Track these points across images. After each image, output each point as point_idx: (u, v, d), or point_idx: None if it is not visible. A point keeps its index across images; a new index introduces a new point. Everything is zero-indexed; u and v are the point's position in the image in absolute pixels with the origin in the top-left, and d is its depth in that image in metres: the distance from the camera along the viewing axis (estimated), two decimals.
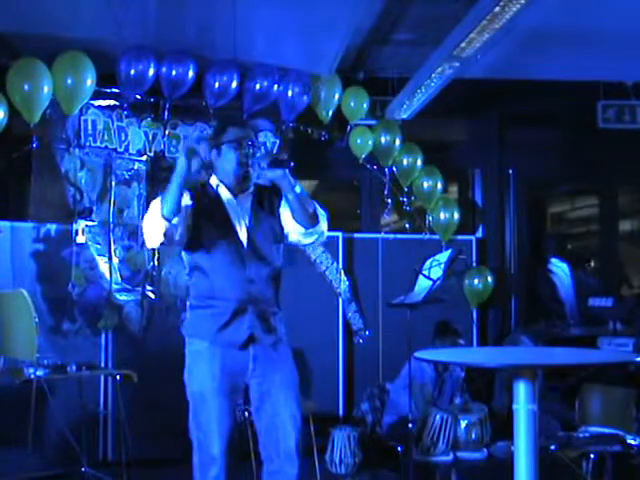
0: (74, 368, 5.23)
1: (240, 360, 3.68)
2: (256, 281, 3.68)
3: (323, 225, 3.76)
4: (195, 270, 3.76)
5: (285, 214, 3.75)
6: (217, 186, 3.79)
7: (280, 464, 3.69)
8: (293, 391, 3.74)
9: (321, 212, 3.76)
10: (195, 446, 3.69)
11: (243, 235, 3.72)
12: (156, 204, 3.57)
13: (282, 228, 3.79)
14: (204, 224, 3.69)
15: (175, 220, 3.53)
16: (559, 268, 8.59)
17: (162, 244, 3.62)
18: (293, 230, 3.75)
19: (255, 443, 4.22)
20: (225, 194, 3.78)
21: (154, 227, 3.55)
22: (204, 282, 3.72)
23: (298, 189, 3.62)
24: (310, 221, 3.69)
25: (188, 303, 3.84)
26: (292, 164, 3.59)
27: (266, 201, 3.82)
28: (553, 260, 8.56)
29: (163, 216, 3.50)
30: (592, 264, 8.76)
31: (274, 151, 3.72)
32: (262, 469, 3.78)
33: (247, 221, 3.75)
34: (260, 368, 3.70)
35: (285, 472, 3.68)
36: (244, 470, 4.70)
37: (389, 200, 7.21)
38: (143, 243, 6.22)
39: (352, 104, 6.88)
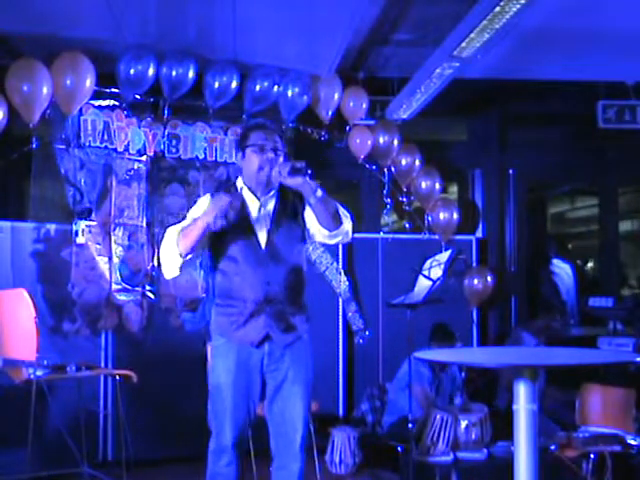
0: (74, 368, 5.23)
1: (255, 356, 3.80)
2: (273, 283, 3.77)
3: (347, 225, 3.85)
4: (217, 270, 3.87)
5: (310, 216, 3.83)
6: (241, 189, 3.89)
7: (286, 460, 3.84)
8: (305, 388, 3.88)
9: (344, 213, 3.84)
10: (213, 434, 3.86)
11: (262, 238, 3.81)
12: (172, 234, 3.74)
13: (305, 230, 3.88)
14: (226, 227, 3.76)
15: (190, 256, 3.71)
16: (561, 269, 8.60)
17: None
18: (318, 232, 3.84)
19: (254, 442, 4.26)
20: (249, 197, 3.87)
21: (171, 262, 3.75)
22: (224, 282, 3.84)
23: (320, 193, 3.67)
24: (333, 223, 3.76)
25: (213, 301, 3.94)
26: (310, 171, 3.63)
27: (290, 204, 3.89)
28: (555, 261, 8.57)
29: (180, 254, 3.69)
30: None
31: (292, 158, 3.85)
32: (272, 464, 3.91)
33: (268, 224, 3.83)
34: (274, 363, 3.82)
35: (289, 468, 3.83)
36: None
37: (388, 200, 7.21)
38: (143, 244, 6.32)
39: (351, 104, 6.88)
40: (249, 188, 3.86)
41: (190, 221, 3.76)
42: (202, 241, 3.74)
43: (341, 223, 3.80)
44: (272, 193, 3.87)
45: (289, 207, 3.88)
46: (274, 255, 3.79)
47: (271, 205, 3.87)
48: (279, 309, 3.79)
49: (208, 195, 3.90)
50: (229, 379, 3.78)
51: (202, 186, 6.48)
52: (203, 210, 3.74)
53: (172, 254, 3.72)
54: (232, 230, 3.78)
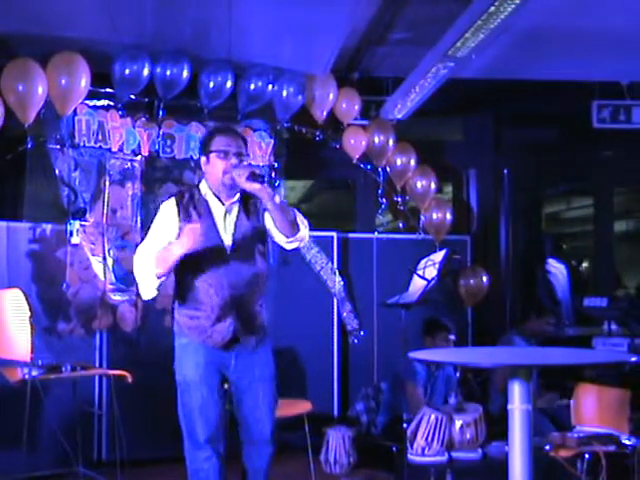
0: (69, 368, 5.22)
1: (223, 355, 3.85)
2: (239, 286, 3.79)
3: (304, 232, 3.86)
4: (181, 274, 3.87)
5: (269, 220, 3.85)
6: (205, 193, 3.87)
7: (258, 446, 3.95)
8: (271, 385, 3.95)
9: (301, 219, 3.86)
10: (184, 433, 3.90)
11: (228, 241, 3.81)
12: (146, 257, 3.76)
13: (267, 233, 3.90)
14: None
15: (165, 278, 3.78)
16: (556, 269, 8.59)
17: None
18: (277, 236, 3.86)
19: None
20: (213, 201, 3.86)
21: (148, 283, 3.81)
22: (190, 286, 3.84)
23: (277, 199, 3.71)
24: (291, 230, 3.79)
25: (176, 303, 3.96)
26: (270, 175, 3.66)
27: (252, 206, 3.90)
28: (550, 260, 8.56)
29: (157, 276, 3.74)
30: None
31: (250, 162, 3.81)
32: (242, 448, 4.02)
33: (233, 228, 3.83)
34: (241, 364, 3.86)
35: (261, 451, 3.95)
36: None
37: (383, 200, 7.21)
38: (137, 244, 6.28)
39: (344, 106, 6.88)
40: (213, 193, 3.85)
41: (163, 244, 3.75)
42: None
43: (298, 230, 3.81)
44: (236, 197, 3.86)
45: (252, 209, 3.89)
46: (239, 259, 3.80)
47: (235, 209, 3.87)
48: (245, 311, 3.82)
49: (172, 200, 3.86)
50: (198, 375, 3.82)
51: None
52: (170, 221, 3.79)
53: (148, 276, 3.76)
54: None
